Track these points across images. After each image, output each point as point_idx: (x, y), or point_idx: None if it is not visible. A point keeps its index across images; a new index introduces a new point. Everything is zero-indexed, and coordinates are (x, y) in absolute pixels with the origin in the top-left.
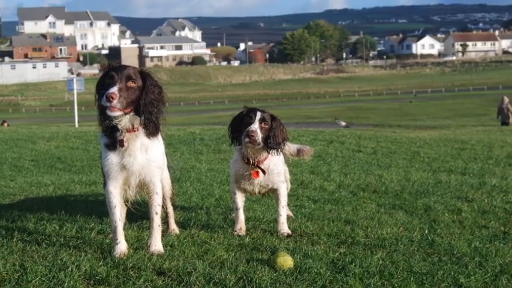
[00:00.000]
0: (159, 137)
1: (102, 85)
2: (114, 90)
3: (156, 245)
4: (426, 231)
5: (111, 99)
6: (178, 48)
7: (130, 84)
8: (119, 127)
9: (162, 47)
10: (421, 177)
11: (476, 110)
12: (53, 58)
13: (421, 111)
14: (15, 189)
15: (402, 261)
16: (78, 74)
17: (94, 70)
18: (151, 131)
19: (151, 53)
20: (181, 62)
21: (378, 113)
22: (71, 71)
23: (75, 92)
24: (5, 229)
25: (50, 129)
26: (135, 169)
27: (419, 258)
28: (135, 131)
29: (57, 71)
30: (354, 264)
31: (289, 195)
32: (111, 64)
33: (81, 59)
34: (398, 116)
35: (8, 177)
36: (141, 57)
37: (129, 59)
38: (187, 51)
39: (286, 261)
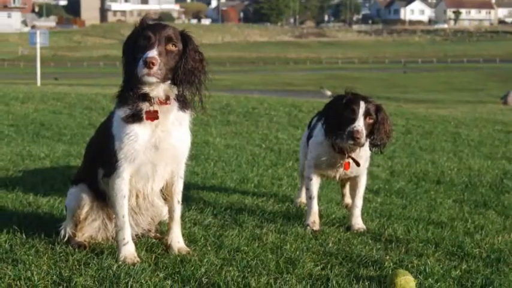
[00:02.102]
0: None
1: (135, 47)
2: (154, 54)
3: (180, 241)
4: None
5: (151, 65)
6: (144, 2)
7: (171, 47)
8: (151, 95)
9: (126, 1)
10: (482, 165)
11: (472, 85)
12: (5, 8)
13: (412, 83)
14: (5, 162)
15: None
16: (33, 26)
17: (51, 23)
18: (188, 105)
19: (114, 6)
20: None
21: (364, 82)
22: (25, 23)
23: (38, 46)
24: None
25: (19, 88)
26: (167, 148)
27: None
28: (168, 104)
29: (10, 22)
30: (491, 287)
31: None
32: (144, 21)
33: (36, 9)
34: (386, 87)
35: None
36: (103, 10)
37: (90, 12)
38: (154, 5)
39: (408, 282)
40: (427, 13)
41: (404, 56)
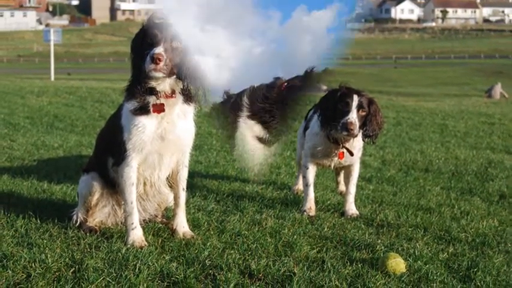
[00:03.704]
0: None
1: (143, 44)
2: (161, 50)
3: (185, 226)
4: None
5: (158, 61)
6: (151, 2)
7: (176, 44)
8: (158, 89)
9: (134, 0)
10: (468, 155)
11: (459, 79)
12: (21, 7)
13: (402, 78)
14: (21, 152)
15: None
16: (47, 25)
17: (64, 21)
18: (192, 98)
19: (123, 6)
20: None
21: (357, 77)
22: (39, 21)
23: (51, 43)
24: (46, 207)
25: (34, 82)
26: (172, 139)
27: None
28: (173, 97)
29: (25, 21)
30: (476, 269)
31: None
32: (151, 19)
33: (50, 9)
34: (378, 82)
35: (6, 136)
36: (113, 10)
37: (100, 11)
38: (160, 5)
39: (398, 264)
40: (416, 12)
41: (395, 53)
